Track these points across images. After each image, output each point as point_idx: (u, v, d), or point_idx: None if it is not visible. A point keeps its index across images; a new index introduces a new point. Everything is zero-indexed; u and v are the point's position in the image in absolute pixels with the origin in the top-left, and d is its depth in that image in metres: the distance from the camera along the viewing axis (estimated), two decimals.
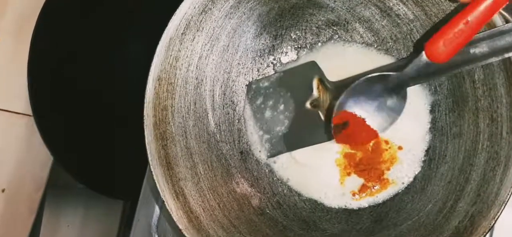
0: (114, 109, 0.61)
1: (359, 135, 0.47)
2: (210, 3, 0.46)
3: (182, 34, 0.46)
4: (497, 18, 0.39)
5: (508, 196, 0.39)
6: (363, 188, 0.47)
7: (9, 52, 0.58)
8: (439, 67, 0.41)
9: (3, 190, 0.59)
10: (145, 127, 0.44)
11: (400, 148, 0.48)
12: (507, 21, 0.39)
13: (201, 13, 0.46)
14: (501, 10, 0.47)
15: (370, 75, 0.45)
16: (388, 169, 0.48)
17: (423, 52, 0.41)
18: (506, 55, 0.38)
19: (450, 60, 0.39)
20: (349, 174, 0.48)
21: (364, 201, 0.47)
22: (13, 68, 0.58)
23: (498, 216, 0.39)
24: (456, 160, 0.44)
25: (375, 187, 0.47)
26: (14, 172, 0.60)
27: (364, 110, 0.46)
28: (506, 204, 0.39)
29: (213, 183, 0.47)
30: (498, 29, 0.39)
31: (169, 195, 0.44)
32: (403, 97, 0.45)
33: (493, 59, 0.39)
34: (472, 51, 0.40)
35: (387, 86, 0.45)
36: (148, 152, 0.44)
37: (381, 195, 0.47)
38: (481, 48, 0.39)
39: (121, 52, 0.62)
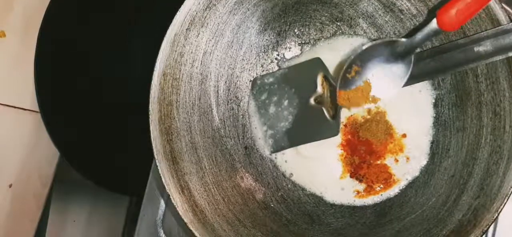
0: (120, 105, 0.61)
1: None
2: None
3: (187, 30, 0.46)
4: (501, 17, 0.39)
5: (511, 189, 0.39)
6: (367, 189, 0.48)
7: (16, 49, 0.59)
8: (445, 64, 0.41)
9: (10, 186, 0.59)
10: (150, 122, 0.45)
11: (404, 136, 0.48)
12: (511, 20, 0.39)
13: (206, 9, 0.46)
14: (504, 5, 0.47)
15: (380, 41, 0.45)
16: (396, 159, 0.48)
17: (434, 20, 0.41)
18: (510, 54, 0.39)
19: (454, 58, 0.40)
20: (353, 175, 0.48)
21: (369, 199, 0.48)
22: (20, 65, 0.59)
23: (501, 209, 0.39)
24: (459, 154, 0.45)
25: (380, 187, 0.48)
26: (21, 168, 0.61)
27: (371, 74, 0.47)
28: (509, 197, 0.39)
29: (217, 177, 0.48)
30: (502, 28, 0.39)
31: (174, 189, 0.44)
32: (408, 64, 0.45)
33: (497, 58, 0.39)
34: (476, 49, 0.40)
35: (394, 51, 0.45)
36: (154, 146, 0.45)
37: (385, 193, 0.47)
38: (485, 47, 0.39)
39: (128, 49, 0.62)
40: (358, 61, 0.46)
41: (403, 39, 0.44)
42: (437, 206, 0.44)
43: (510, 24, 0.39)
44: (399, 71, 0.45)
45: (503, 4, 0.46)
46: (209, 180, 0.47)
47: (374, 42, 0.46)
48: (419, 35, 0.43)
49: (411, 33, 0.44)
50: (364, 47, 0.46)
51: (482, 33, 0.40)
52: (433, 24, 0.41)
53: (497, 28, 0.39)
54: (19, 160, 0.61)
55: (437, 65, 0.42)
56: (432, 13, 0.43)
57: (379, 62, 0.46)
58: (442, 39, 0.43)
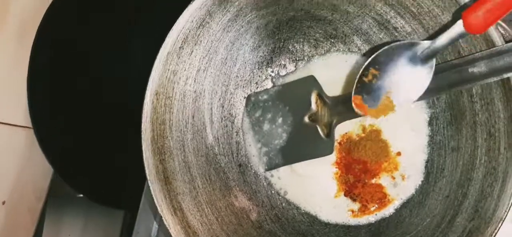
0: (113, 120, 0.61)
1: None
2: (208, 17, 0.46)
3: (179, 48, 0.46)
4: (496, 38, 0.39)
5: (506, 213, 0.39)
6: (362, 208, 0.47)
7: (8, 66, 0.58)
8: (439, 84, 0.41)
9: (3, 202, 0.59)
10: (143, 142, 0.45)
11: (398, 154, 0.48)
12: (506, 41, 0.38)
13: (199, 27, 0.46)
14: (500, 22, 0.47)
15: (400, 43, 0.43)
16: (391, 177, 0.48)
17: (460, 21, 0.39)
18: (505, 76, 0.38)
19: (449, 79, 0.39)
20: (347, 194, 0.48)
21: (363, 219, 0.47)
22: (13, 81, 0.58)
23: (496, 234, 0.39)
24: (454, 174, 0.44)
25: (375, 206, 0.47)
26: (15, 183, 0.60)
27: (390, 79, 0.44)
28: (503, 221, 0.39)
29: (211, 197, 0.47)
30: (496, 49, 0.39)
31: (167, 210, 0.44)
32: (430, 69, 0.42)
33: (492, 79, 0.39)
34: (470, 70, 0.39)
35: (415, 55, 0.42)
36: (146, 167, 0.44)
37: (380, 213, 0.47)
38: (479, 68, 0.39)
39: (122, 63, 0.62)
40: (376, 64, 0.43)
41: (426, 42, 0.42)
42: (431, 227, 0.44)
43: (505, 45, 0.38)
44: (419, 76, 0.42)
45: (501, 22, 0.46)
46: (202, 200, 0.47)
47: (394, 44, 0.43)
48: (443, 38, 0.40)
49: (434, 35, 0.41)
50: (383, 49, 0.43)
51: (476, 54, 0.40)
52: (459, 26, 0.39)
53: (491, 49, 0.39)
54: (13, 176, 0.60)
55: (431, 85, 0.42)
56: (457, 15, 0.41)
57: (399, 66, 0.43)
58: (437, 59, 0.42)
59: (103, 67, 0.61)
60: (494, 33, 0.39)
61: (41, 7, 0.56)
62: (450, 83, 0.41)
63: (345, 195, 0.48)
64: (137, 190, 0.53)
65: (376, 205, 0.47)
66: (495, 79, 0.39)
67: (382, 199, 0.47)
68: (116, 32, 0.61)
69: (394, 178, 0.48)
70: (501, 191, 0.40)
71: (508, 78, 0.39)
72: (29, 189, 0.62)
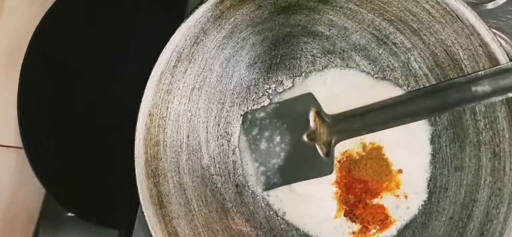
0: (106, 139, 0.60)
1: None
2: (202, 34, 0.44)
3: (173, 67, 0.44)
4: (500, 56, 0.37)
5: None
6: (363, 229, 0.46)
7: None
8: (442, 103, 0.40)
9: None
10: (136, 165, 0.43)
11: (400, 171, 0.47)
12: (510, 59, 0.37)
13: (193, 45, 0.45)
14: (503, 35, 0.46)
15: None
16: (394, 195, 0.46)
17: None
18: (510, 95, 0.37)
19: (452, 97, 0.38)
20: (347, 214, 0.47)
21: None
22: (3, 101, 0.57)
23: None
24: (458, 194, 0.43)
25: (376, 228, 0.46)
26: (6, 205, 0.59)
27: None
28: None
29: (207, 219, 0.46)
30: (500, 68, 0.37)
31: (161, 235, 0.43)
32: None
33: (496, 98, 0.38)
34: (474, 88, 0.38)
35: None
36: (139, 191, 0.43)
37: (382, 235, 0.46)
38: (483, 87, 0.38)
39: (114, 83, 0.61)
40: None
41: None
42: None
43: (509, 63, 0.37)
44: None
45: (504, 35, 0.45)
46: (198, 223, 0.45)
47: None
48: None
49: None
50: None
51: (480, 72, 0.39)
52: None
53: (495, 67, 0.38)
54: (5, 198, 0.59)
55: (434, 103, 0.41)
56: None
57: None
58: (439, 76, 0.41)
59: (95, 86, 0.60)
60: (498, 50, 0.38)
61: (30, 27, 0.55)
62: (453, 102, 0.40)
63: (345, 215, 0.47)
64: (131, 209, 0.52)
65: (378, 227, 0.46)
66: (500, 98, 0.38)
67: (383, 220, 0.45)
68: (107, 51, 0.59)
69: (397, 196, 0.47)
70: (507, 214, 0.38)
71: None
72: (21, 211, 0.61)
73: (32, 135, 0.56)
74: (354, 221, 0.47)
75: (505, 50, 0.38)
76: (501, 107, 0.39)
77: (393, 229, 0.46)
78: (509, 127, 0.39)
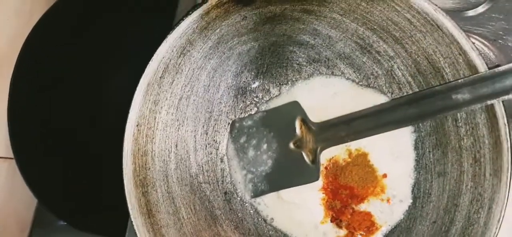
0: (98, 148, 0.60)
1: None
2: (188, 45, 0.45)
3: (160, 77, 0.45)
4: (479, 63, 0.38)
5: None
6: (349, 235, 0.47)
7: None
8: (424, 110, 0.41)
9: None
10: (124, 175, 0.44)
11: (384, 175, 0.47)
12: (489, 67, 0.38)
13: (180, 56, 0.45)
14: (485, 41, 0.47)
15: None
16: (380, 199, 0.47)
17: None
18: (489, 102, 0.38)
19: (433, 105, 0.39)
20: (333, 220, 0.47)
21: None
22: None
23: None
24: (441, 199, 0.44)
25: (362, 234, 0.47)
26: None
27: None
28: None
29: (196, 227, 0.46)
30: (479, 76, 0.38)
31: None
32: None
33: (476, 106, 0.39)
34: (454, 96, 0.39)
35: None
36: (128, 201, 0.43)
37: None
38: (463, 94, 0.39)
39: (102, 93, 0.61)
40: None
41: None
42: None
43: (488, 71, 0.38)
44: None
45: (485, 41, 0.46)
46: (187, 231, 0.46)
47: None
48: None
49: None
50: None
51: (459, 80, 0.39)
52: None
53: (474, 75, 0.39)
54: None
55: (416, 111, 0.42)
56: None
57: None
58: (421, 84, 0.42)
59: (85, 96, 0.60)
60: (476, 58, 0.39)
61: (20, 36, 0.55)
62: (434, 110, 0.40)
63: (332, 221, 0.48)
64: (123, 216, 0.52)
65: (363, 233, 0.46)
66: (479, 105, 0.39)
67: (370, 227, 0.46)
68: (96, 60, 0.60)
69: (382, 200, 0.47)
70: (487, 218, 0.39)
71: (492, 104, 0.39)
72: (12, 222, 0.61)
73: (23, 145, 0.57)
74: (341, 227, 0.47)
75: (483, 59, 0.38)
76: (481, 114, 0.40)
77: (378, 235, 0.47)
78: (489, 133, 0.40)
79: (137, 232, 0.43)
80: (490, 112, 0.39)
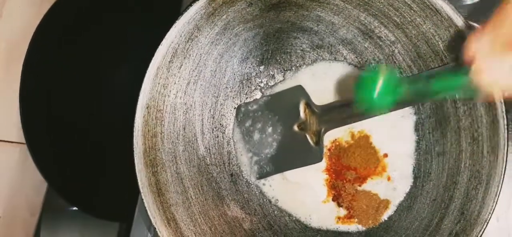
0: (106, 132, 0.62)
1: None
2: (196, 31, 0.47)
3: (169, 62, 0.46)
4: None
5: (490, 215, 0.40)
6: (348, 215, 0.48)
7: (0, 82, 0.59)
8: (424, 91, 0.42)
9: None
10: (135, 155, 0.45)
11: (385, 155, 0.49)
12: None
13: (188, 41, 0.47)
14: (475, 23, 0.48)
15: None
16: (382, 180, 0.48)
17: None
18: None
19: (433, 86, 0.40)
20: (335, 199, 0.49)
21: (353, 226, 0.48)
22: (5, 97, 0.59)
23: (481, 235, 0.40)
24: (440, 177, 0.45)
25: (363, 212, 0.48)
26: (9, 199, 0.61)
27: None
28: (488, 223, 0.40)
29: (204, 207, 0.48)
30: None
31: (160, 221, 0.45)
32: None
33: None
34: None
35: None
36: (139, 180, 0.45)
37: None
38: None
39: (112, 79, 0.63)
40: None
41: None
42: (420, 230, 0.45)
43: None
44: None
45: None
46: (195, 210, 0.47)
47: None
48: None
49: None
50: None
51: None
52: None
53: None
54: (7, 192, 0.61)
55: (416, 92, 0.43)
56: None
57: None
58: (421, 67, 0.43)
59: (95, 81, 0.62)
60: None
61: (32, 22, 0.57)
62: (433, 91, 0.42)
63: (333, 200, 0.49)
64: (131, 201, 0.54)
65: (365, 211, 0.48)
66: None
67: (372, 206, 0.48)
68: (107, 48, 0.61)
69: (384, 178, 0.49)
70: (485, 194, 0.41)
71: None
72: (23, 205, 0.62)
73: (34, 131, 0.58)
74: (341, 206, 0.49)
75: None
76: None
77: (380, 213, 0.48)
78: (486, 112, 0.41)
79: (148, 210, 0.45)
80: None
